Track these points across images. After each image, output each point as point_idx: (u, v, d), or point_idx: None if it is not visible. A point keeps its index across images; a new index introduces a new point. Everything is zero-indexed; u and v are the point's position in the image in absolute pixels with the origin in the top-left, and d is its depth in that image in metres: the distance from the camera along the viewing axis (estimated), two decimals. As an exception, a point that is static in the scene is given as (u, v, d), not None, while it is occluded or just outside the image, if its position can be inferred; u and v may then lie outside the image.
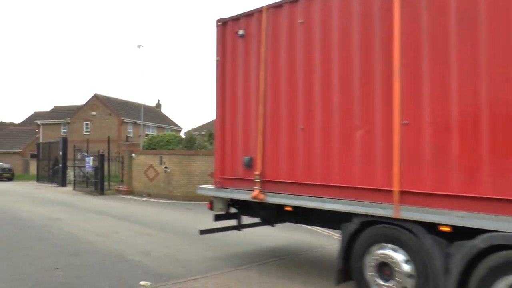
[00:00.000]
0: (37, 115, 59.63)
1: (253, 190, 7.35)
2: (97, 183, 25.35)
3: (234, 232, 12.51)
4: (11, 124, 69.74)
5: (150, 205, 19.59)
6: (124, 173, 25.40)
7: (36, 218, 14.66)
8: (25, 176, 45.99)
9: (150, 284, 7.00)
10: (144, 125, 41.80)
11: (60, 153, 32.99)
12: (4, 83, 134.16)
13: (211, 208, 8.76)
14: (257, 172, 7.34)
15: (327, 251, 9.95)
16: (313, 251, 9.85)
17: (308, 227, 13.70)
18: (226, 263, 8.61)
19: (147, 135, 44.14)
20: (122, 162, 25.59)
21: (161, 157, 22.92)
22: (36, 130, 55.28)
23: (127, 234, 11.78)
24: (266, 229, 13.19)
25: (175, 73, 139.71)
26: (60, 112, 55.49)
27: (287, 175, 6.99)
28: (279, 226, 14.22)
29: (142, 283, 7.01)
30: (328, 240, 11.16)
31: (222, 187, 8.23)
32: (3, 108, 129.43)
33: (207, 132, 32.18)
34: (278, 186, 7.09)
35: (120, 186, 25.48)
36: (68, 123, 51.98)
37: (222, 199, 8.58)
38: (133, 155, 24.90)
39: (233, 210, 9.09)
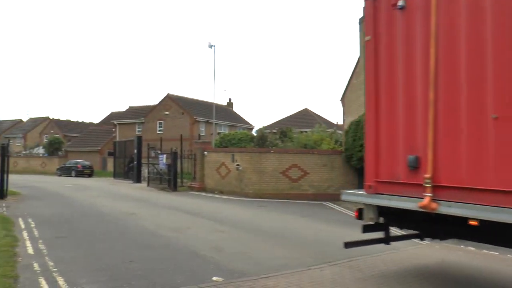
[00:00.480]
0: (113, 115, 62.56)
1: (421, 198, 5.96)
2: (170, 180, 26.12)
3: (306, 230, 12.45)
4: (91, 124, 73.64)
5: (222, 202, 19.90)
6: (196, 170, 25.98)
7: (114, 213, 15.34)
8: (103, 173, 48.44)
9: (223, 280, 7.06)
10: (216, 124, 42.56)
11: (135, 151, 34.37)
12: (84, 86, 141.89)
13: (359, 217, 7.39)
14: (427, 175, 5.92)
15: (402, 253, 9.61)
16: (387, 253, 9.52)
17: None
18: (299, 261, 8.52)
19: (219, 133, 44.93)
20: (195, 160, 26.19)
21: (233, 155, 23.20)
22: (113, 129, 57.98)
23: (199, 229, 12.01)
24: (335, 228, 13.01)
25: (246, 72, 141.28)
26: (135, 112, 57.82)
27: (471, 179, 5.49)
28: (348, 223, 13.98)
29: (214, 278, 7.10)
30: (402, 243, 10.77)
31: (376, 192, 6.81)
32: (83, 109, 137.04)
33: (279, 130, 32.27)
34: (458, 193, 5.62)
35: (193, 183, 26.08)
36: (142, 122, 54.03)
37: (374, 207, 7.14)
38: (205, 153, 25.39)
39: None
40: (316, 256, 9.05)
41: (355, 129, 19.71)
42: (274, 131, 34.37)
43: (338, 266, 8.24)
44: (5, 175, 20.27)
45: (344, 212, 17.16)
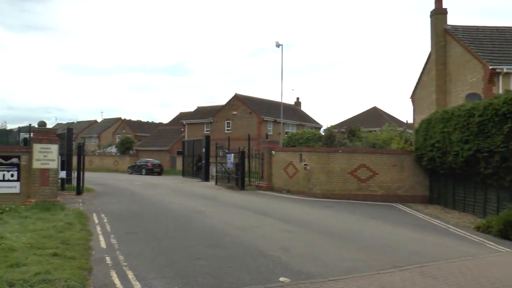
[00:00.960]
0: (182, 116, 64.16)
1: None
2: (238, 179, 26.36)
3: (375, 232, 12.11)
4: (161, 124, 76.02)
5: (289, 201, 19.81)
6: (264, 170, 26.04)
7: (182, 210, 15.68)
8: (172, 171, 49.83)
9: (290, 281, 6.97)
10: (283, 123, 42.55)
11: (203, 150, 35.03)
12: (153, 87, 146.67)
13: None
14: None
15: (481, 260, 9.07)
16: (463, 260, 9.04)
17: (458, 231, 12.74)
18: (367, 265, 8.27)
19: (286, 132, 44.88)
20: (262, 159, 26.26)
21: (300, 154, 23.06)
22: (182, 129, 59.44)
23: (266, 229, 11.99)
24: (404, 230, 12.56)
25: (314, 70, 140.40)
26: (203, 112, 58.96)
27: None
28: (418, 226, 13.44)
29: (281, 279, 7.02)
30: (480, 249, 10.21)
31: None
32: (154, 110, 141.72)
33: (347, 129, 31.75)
34: None
35: (260, 182, 26.18)
36: (210, 122, 54.98)
37: None
38: (273, 152, 25.41)
39: None
40: (385, 259, 8.75)
41: (426, 127, 18.97)
42: (342, 130, 33.89)
43: (408, 271, 7.92)
44: (81, 173, 21.30)
45: (414, 214, 16.58)
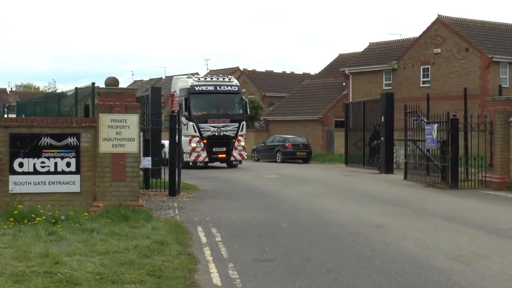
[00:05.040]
0: (343, 60, 64.11)
1: None
2: (445, 169, 25.75)
3: None
4: (306, 76, 76.96)
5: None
6: (494, 152, 25.18)
7: (347, 223, 15.75)
8: (327, 156, 50.46)
9: None
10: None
11: (382, 118, 34.64)
12: (290, 13, 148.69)
13: None
14: None
15: None
16: None
17: None
18: None
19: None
20: (491, 133, 25.41)
21: None
22: (343, 83, 59.35)
23: (504, 261, 11.54)
24: None
25: None
26: (378, 53, 58.31)
27: None
28: None
29: None
30: None
31: None
32: (293, 52, 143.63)
33: None
34: None
35: (488, 175, 25.43)
36: (393, 69, 54.09)
37: None
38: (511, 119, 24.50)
39: None
40: None
41: None
42: None
43: None
44: (177, 160, 22.03)
45: None
